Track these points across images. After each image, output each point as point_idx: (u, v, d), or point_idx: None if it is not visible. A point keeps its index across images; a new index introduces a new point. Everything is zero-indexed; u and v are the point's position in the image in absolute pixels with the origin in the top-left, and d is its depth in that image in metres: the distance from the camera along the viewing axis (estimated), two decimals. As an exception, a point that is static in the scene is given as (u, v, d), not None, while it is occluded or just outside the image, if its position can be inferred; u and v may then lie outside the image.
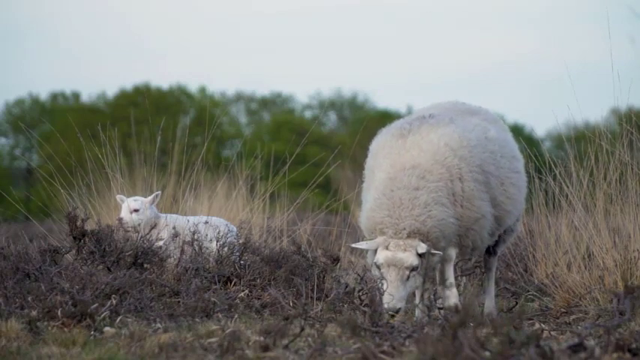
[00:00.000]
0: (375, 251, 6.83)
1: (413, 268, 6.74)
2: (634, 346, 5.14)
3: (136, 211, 8.19)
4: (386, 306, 6.59)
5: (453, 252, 7.06)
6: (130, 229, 8.08)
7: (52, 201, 10.52)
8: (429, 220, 6.81)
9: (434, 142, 7.00)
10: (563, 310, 7.69)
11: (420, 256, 6.76)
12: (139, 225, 8.15)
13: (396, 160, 7.00)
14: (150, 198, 8.30)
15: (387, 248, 6.78)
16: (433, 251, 6.77)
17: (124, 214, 8.19)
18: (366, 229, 7.03)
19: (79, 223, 7.74)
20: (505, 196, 7.21)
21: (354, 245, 6.99)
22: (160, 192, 8.46)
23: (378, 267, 6.77)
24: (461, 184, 6.95)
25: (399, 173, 6.91)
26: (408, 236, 6.78)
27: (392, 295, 6.66)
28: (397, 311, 6.61)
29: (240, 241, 8.00)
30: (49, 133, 28.28)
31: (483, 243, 7.27)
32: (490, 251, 7.74)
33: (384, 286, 6.71)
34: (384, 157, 7.09)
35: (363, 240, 7.04)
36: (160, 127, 10.33)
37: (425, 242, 6.77)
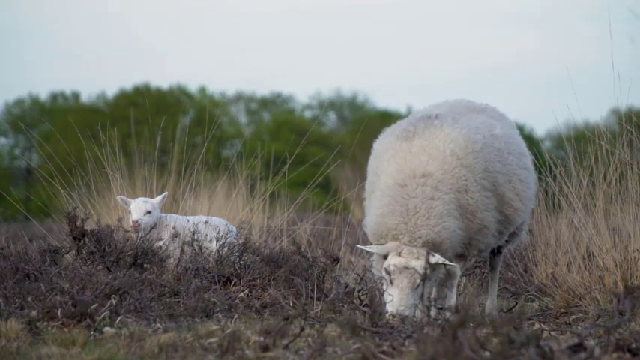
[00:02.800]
0: (384, 256, 6.76)
1: (425, 276, 6.66)
2: (634, 346, 5.14)
3: (149, 213, 8.10)
4: (395, 311, 6.53)
5: (457, 268, 6.99)
6: (140, 230, 7.99)
7: (52, 201, 10.52)
8: (443, 231, 6.74)
9: (440, 149, 6.90)
10: (563, 310, 7.69)
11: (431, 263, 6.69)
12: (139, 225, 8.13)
13: (402, 165, 6.90)
14: (159, 199, 8.22)
15: (399, 255, 6.71)
16: (447, 262, 6.71)
17: (139, 216, 8.07)
18: (374, 234, 6.90)
19: (78, 223, 7.74)
20: (514, 193, 7.14)
21: (362, 247, 6.90)
22: (167, 193, 8.41)
23: (389, 272, 6.68)
24: (466, 196, 6.89)
25: (410, 181, 6.81)
26: (423, 245, 6.71)
27: (402, 301, 6.61)
28: (405, 318, 6.53)
29: (240, 241, 7.99)
30: (49, 133, 28.29)
31: (487, 247, 7.24)
32: (494, 250, 7.70)
33: (386, 288, 6.67)
34: (389, 161, 7.00)
35: (364, 242, 6.99)
36: (160, 127, 10.33)
37: (436, 252, 6.72)
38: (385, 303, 6.65)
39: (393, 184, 6.86)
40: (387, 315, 6.50)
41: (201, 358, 5.48)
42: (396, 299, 6.62)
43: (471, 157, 6.96)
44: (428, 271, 6.62)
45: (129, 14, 67.37)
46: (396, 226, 6.76)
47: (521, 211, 7.20)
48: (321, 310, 6.78)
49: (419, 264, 6.63)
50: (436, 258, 6.66)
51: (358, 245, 7.07)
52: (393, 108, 39.69)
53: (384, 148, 7.14)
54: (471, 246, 7.01)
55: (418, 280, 6.63)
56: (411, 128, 7.07)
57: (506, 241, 7.59)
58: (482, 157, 7.01)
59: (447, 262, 6.70)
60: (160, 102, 36.31)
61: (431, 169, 6.84)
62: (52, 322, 6.18)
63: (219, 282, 7.46)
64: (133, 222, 8.02)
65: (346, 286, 7.15)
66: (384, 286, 6.71)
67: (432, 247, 6.71)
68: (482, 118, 7.38)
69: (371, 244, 6.96)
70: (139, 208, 8.09)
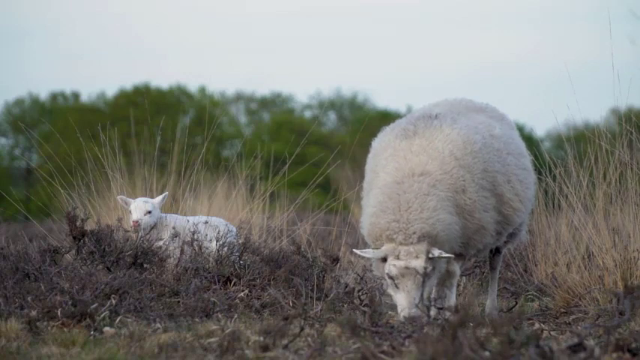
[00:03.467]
0: (382, 260, 6.69)
1: (426, 274, 6.62)
2: (634, 346, 5.14)
3: (149, 212, 8.09)
4: (407, 315, 6.48)
5: (456, 268, 6.97)
6: (140, 230, 7.98)
7: (51, 201, 10.52)
8: (438, 223, 6.65)
9: (439, 149, 6.88)
10: (563, 310, 7.69)
11: (431, 259, 6.65)
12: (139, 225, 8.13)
13: (402, 163, 6.86)
14: (159, 199, 8.21)
15: (397, 257, 6.63)
16: (445, 255, 6.67)
17: (139, 216, 8.06)
18: (370, 236, 6.81)
19: (78, 223, 7.74)
20: (513, 193, 7.11)
21: (358, 252, 6.77)
22: (167, 193, 8.41)
23: (392, 278, 6.59)
24: (464, 197, 6.85)
25: (408, 179, 6.76)
26: (418, 241, 6.64)
27: (411, 304, 6.53)
28: (418, 319, 6.47)
29: (240, 241, 7.99)
30: (48, 133, 28.31)
31: (486, 248, 7.21)
32: (493, 250, 7.69)
33: (389, 290, 6.65)
34: (387, 159, 6.97)
35: (362, 244, 6.96)
36: (160, 127, 10.33)
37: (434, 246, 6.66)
38: (386, 304, 6.63)
39: (391, 181, 6.81)
40: (401, 317, 6.46)
41: (201, 358, 5.49)
42: (405, 303, 6.55)
43: (470, 158, 6.94)
44: (429, 268, 6.59)
45: (129, 14, 67.41)
46: (387, 225, 6.67)
47: (520, 211, 7.18)
48: (321, 310, 6.77)
49: (419, 263, 6.59)
50: (436, 253, 6.62)
51: (355, 250, 6.97)
52: (393, 108, 39.74)
53: (383, 146, 7.11)
54: (469, 246, 6.99)
55: (422, 280, 6.56)
56: (410, 127, 7.04)
57: (506, 241, 7.57)
58: (481, 158, 7.00)
59: (445, 254, 6.65)
60: (159, 102, 36.32)
61: (430, 168, 6.82)
62: (52, 322, 6.18)
63: (219, 282, 7.46)
64: (133, 222, 8.02)
65: (346, 286, 7.15)
66: (384, 286, 6.69)
67: (428, 240, 6.64)
68: (481, 117, 7.37)
69: (369, 246, 6.91)
70: (139, 208, 8.09)
